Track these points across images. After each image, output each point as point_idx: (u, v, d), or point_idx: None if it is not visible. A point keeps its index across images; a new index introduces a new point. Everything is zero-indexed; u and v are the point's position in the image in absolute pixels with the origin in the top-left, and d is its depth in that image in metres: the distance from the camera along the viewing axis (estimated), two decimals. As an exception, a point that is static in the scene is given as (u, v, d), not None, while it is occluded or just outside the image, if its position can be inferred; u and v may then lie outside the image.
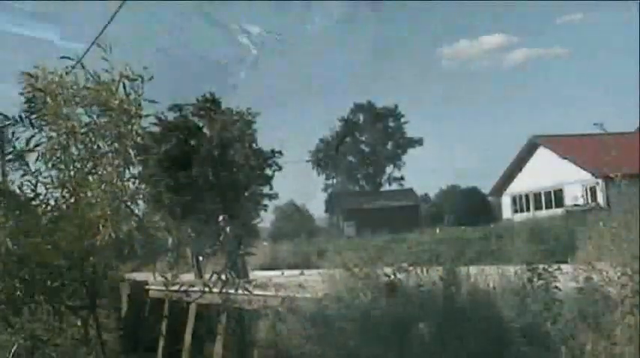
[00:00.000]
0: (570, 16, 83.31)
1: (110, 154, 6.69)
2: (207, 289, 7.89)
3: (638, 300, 6.62)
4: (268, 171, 46.48)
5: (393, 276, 10.02)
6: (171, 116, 46.23)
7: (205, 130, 46.50)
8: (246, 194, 45.59)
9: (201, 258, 19.46)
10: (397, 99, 59.96)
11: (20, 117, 6.84)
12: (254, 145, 45.44)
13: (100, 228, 6.14)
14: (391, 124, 61.06)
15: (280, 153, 46.49)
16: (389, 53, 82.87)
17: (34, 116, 6.81)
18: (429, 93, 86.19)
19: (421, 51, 80.00)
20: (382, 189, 61.03)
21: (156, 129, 44.34)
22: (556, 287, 7.37)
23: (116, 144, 6.73)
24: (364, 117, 61.50)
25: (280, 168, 46.45)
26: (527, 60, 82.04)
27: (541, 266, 7.64)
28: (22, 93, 6.87)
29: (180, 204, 42.81)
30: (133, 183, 6.64)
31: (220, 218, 21.52)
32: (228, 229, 19.88)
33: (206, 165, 43.99)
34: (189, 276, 15.19)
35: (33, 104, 6.85)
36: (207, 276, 8.03)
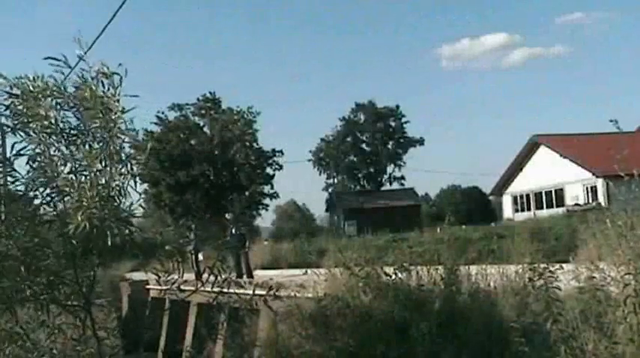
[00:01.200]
0: (570, 16, 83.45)
1: (97, 153, 6.62)
2: (200, 285, 7.85)
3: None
4: (269, 171, 46.65)
5: (394, 275, 9.99)
6: (171, 116, 46.50)
7: (206, 129, 46.61)
8: (246, 193, 45.66)
9: (200, 258, 19.46)
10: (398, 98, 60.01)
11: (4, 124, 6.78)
12: (255, 144, 45.56)
13: (78, 218, 6.06)
14: (392, 124, 60.98)
15: (281, 152, 46.67)
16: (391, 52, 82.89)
17: (16, 122, 6.75)
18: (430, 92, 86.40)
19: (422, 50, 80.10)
20: (383, 188, 60.96)
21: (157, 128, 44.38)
22: (557, 286, 7.33)
23: (101, 143, 6.68)
24: (365, 117, 61.43)
25: (281, 167, 46.60)
26: (527, 59, 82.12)
27: (542, 265, 7.60)
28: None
29: (180, 203, 42.93)
30: (120, 179, 6.56)
31: (226, 216, 21.59)
32: (233, 229, 19.90)
33: (206, 165, 44.09)
34: (189, 276, 15.15)
35: (10, 110, 6.79)
36: (206, 276, 7.99)
